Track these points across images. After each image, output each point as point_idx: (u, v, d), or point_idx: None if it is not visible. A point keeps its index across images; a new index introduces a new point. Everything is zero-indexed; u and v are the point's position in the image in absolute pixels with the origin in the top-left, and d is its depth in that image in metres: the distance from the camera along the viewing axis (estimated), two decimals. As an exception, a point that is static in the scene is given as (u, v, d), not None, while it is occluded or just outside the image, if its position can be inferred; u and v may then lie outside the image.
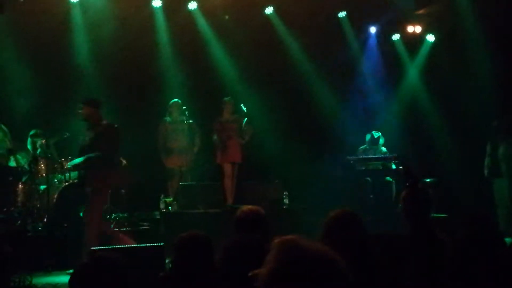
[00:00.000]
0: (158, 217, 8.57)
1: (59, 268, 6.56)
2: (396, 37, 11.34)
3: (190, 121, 9.03)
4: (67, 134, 8.06)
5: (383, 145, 10.04)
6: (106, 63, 9.78)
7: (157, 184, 9.12)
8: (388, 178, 9.48)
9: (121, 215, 8.39)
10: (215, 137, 8.82)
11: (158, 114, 9.34)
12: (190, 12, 10.14)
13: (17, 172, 7.71)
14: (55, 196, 7.61)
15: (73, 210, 7.49)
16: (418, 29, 11.19)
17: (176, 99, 9.18)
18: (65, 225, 7.47)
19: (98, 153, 6.53)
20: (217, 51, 10.49)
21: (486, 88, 10.42)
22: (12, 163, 7.79)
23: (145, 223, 8.38)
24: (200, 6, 10.07)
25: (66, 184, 7.81)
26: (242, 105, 8.82)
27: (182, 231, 3.22)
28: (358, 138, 10.35)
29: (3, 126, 7.94)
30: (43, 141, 7.94)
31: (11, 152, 7.77)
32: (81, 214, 7.08)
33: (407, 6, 10.36)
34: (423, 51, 11.41)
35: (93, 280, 2.23)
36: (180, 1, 10.08)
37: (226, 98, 8.92)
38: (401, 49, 11.44)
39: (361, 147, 10.15)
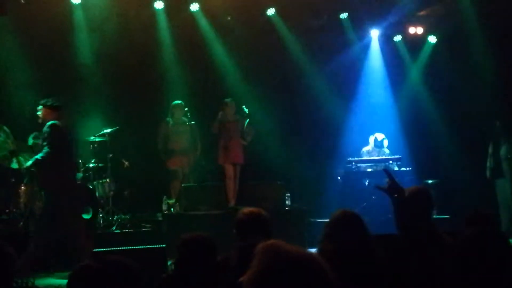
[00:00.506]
0: (160, 218, 8.57)
1: (61, 269, 6.56)
2: (398, 38, 11.34)
3: (192, 122, 9.03)
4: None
5: (387, 147, 10.06)
6: (108, 64, 9.80)
7: (159, 186, 9.11)
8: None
9: (123, 216, 8.41)
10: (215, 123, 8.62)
11: (159, 115, 9.34)
12: (192, 13, 10.15)
13: (19, 173, 7.72)
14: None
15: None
16: (420, 30, 11.18)
17: (179, 101, 9.16)
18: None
19: (43, 154, 6.43)
20: (219, 53, 10.49)
21: (488, 89, 10.42)
22: (15, 165, 7.78)
23: (147, 225, 8.37)
24: (202, 7, 10.08)
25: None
26: (244, 106, 8.80)
27: (184, 232, 3.22)
28: (361, 140, 10.35)
29: (5, 128, 7.94)
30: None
31: (13, 153, 7.75)
32: (83, 216, 7.08)
33: (409, 8, 10.35)
34: (425, 52, 11.40)
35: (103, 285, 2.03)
36: (182, 2, 10.09)
37: (227, 99, 8.87)
38: (403, 50, 11.43)
39: (365, 148, 10.15)
